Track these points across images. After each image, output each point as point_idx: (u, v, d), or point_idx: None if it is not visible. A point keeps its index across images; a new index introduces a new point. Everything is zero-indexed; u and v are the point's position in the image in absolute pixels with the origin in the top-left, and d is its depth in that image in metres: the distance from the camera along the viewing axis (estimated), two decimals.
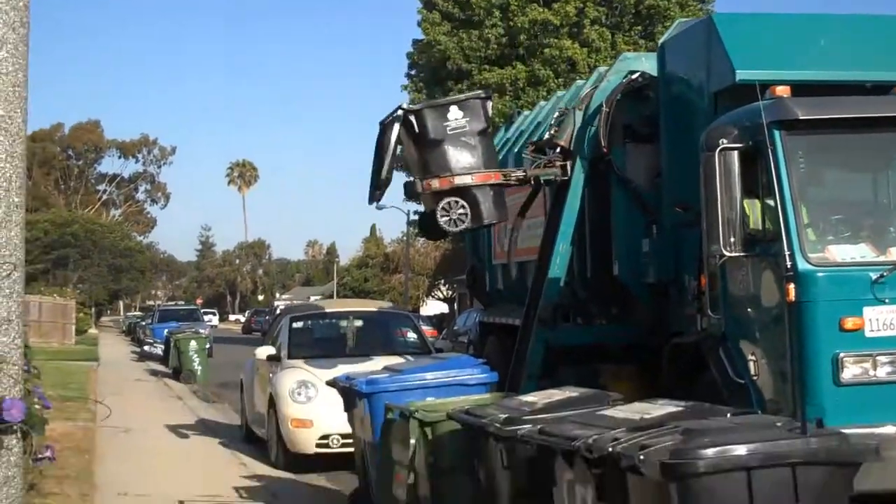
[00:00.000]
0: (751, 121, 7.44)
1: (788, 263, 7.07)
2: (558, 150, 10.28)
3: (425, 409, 7.11)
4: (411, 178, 10.51)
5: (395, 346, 13.66)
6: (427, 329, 24.58)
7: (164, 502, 9.60)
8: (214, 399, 21.28)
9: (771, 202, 7.44)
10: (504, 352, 11.07)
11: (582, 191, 10.18)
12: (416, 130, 10.00)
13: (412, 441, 6.99)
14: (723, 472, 4.15)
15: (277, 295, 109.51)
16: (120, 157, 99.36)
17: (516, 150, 12.56)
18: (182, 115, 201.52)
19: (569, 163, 10.20)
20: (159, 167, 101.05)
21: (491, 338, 12.85)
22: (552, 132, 10.35)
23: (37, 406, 5.27)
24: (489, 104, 10.45)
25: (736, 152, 7.39)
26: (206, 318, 55.29)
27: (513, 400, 6.64)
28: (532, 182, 10.51)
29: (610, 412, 5.29)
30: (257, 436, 13.66)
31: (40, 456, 5.90)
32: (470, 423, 6.22)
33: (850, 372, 7.05)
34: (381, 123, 10.19)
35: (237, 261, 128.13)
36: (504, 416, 5.83)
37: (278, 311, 26.66)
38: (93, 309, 73.97)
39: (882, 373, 7.08)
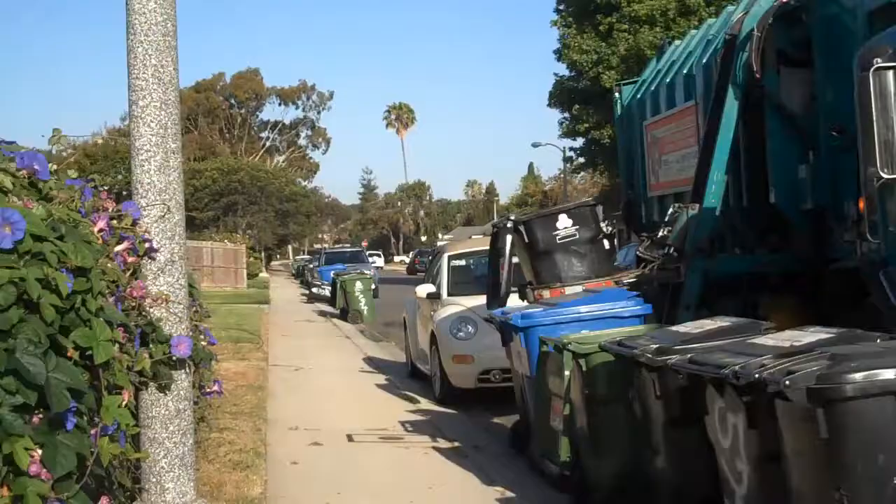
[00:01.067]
0: None
1: None
2: (672, 249, 9.96)
3: (579, 341, 7.21)
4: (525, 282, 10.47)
5: None
6: None
7: (334, 435, 10.02)
8: (381, 338, 21.82)
9: None
10: (660, 284, 11.04)
11: (735, 119, 10.00)
12: (526, 240, 10.07)
13: (566, 373, 7.13)
14: (870, 396, 4.11)
15: (440, 235, 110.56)
16: (280, 104, 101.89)
17: (668, 80, 12.41)
18: (338, 60, 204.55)
19: (682, 265, 9.84)
20: (319, 112, 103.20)
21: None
22: (665, 231, 10.04)
23: (203, 343, 5.58)
24: (599, 210, 10.35)
25: (891, 72, 7.17)
26: (371, 259, 56.41)
27: (665, 330, 6.67)
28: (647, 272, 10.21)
29: (760, 340, 5.25)
30: (421, 372, 14.01)
31: (209, 390, 6.24)
32: (622, 354, 6.30)
33: None
34: (494, 226, 10.32)
35: (399, 203, 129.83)
36: (655, 346, 5.87)
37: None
38: (262, 253, 76.26)
39: None
